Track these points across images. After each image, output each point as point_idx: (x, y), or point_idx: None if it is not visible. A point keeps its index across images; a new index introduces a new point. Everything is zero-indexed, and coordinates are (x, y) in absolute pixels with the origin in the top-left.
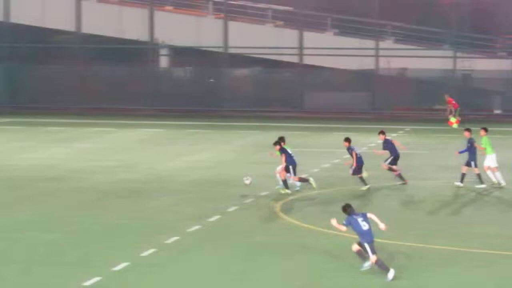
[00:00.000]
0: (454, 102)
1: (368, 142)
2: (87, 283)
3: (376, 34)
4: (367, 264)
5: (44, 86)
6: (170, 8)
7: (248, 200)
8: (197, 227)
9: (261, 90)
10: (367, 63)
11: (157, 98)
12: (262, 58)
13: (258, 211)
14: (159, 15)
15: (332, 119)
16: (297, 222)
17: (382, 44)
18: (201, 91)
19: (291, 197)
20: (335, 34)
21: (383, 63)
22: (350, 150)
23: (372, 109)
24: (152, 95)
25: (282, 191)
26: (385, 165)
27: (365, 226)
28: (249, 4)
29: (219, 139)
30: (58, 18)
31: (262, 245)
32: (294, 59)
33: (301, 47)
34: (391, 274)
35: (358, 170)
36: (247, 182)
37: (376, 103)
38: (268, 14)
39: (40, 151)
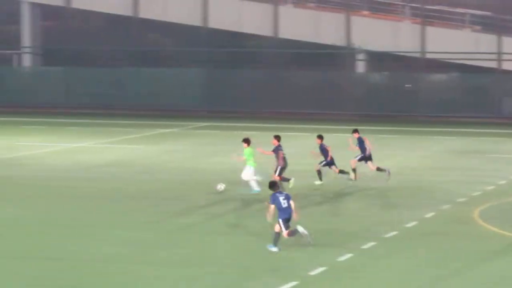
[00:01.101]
0: None
1: None
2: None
3: None
4: (273, 248)
5: (241, 91)
6: (366, 12)
7: (446, 206)
8: (394, 233)
9: (457, 96)
10: None
11: (352, 103)
12: (458, 63)
13: (456, 218)
14: (355, 20)
15: None
16: (495, 229)
17: None
18: (397, 96)
19: (489, 204)
20: None
21: None
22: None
23: None
24: (348, 100)
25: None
26: None
27: (284, 204)
28: (447, 9)
29: (414, 145)
30: (255, 23)
31: (458, 252)
32: (493, 65)
33: (499, 52)
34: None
35: None
36: (220, 188)
37: None
38: (465, 19)
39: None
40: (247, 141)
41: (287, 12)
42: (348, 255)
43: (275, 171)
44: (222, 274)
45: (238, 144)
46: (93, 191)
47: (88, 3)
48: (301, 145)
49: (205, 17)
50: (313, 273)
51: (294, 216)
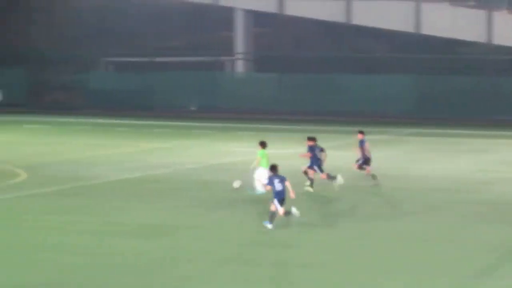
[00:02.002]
0: None
1: None
2: None
3: None
4: (268, 224)
5: (453, 98)
6: None
7: None
8: None
9: None
10: None
11: None
12: None
13: None
14: None
15: None
16: None
17: None
18: None
19: None
20: None
21: None
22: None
23: None
24: None
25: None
26: None
27: (279, 187)
28: None
29: None
30: (468, 29)
31: None
32: None
33: None
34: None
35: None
36: (236, 185)
37: None
38: None
39: (440, 162)
40: (262, 144)
41: (501, 17)
42: None
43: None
44: None
45: (454, 151)
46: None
47: (301, 10)
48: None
49: (418, 24)
50: None
51: (291, 194)
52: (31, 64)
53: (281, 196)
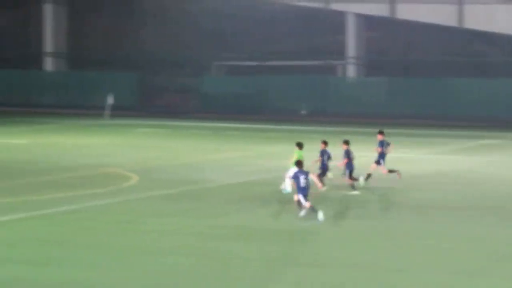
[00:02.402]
0: None
1: None
2: None
3: None
4: (303, 213)
5: None
6: None
7: None
8: None
9: None
10: None
11: None
12: None
13: None
14: None
15: None
16: None
17: None
18: None
19: None
20: None
21: None
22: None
23: None
24: None
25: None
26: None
27: (303, 183)
28: None
29: None
30: None
31: None
32: None
33: None
34: (320, 215)
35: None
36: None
37: None
38: None
39: None
40: (299, 145)
41: None
42: None
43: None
44: None
45: None
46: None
47: (412, 14)
48: None
49: None
50: None
51: (319, 187)
52: (143, 68)
53: (304, 192)
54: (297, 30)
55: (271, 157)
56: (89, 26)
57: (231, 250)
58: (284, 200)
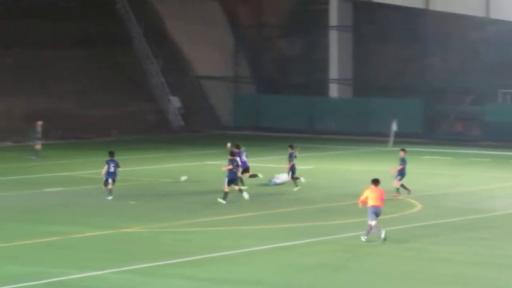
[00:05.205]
0: None
1: None
2: None
3: None
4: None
5: None
6: None
7: None
8: None
9: None
10: None
11: None
12: None
13: None
14: None
15: None
16: None
17: None
18: None
19: None
20: None
21: None
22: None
23: None
24: None
25: None
26: None
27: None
28: None
29: None
30: None
31: None
32: None
33: None
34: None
35: None
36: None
37: None
38: None
39: None
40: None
41: None
42: None
43: None
44: None
45: None
46: None
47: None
48: None
49: None
50: None
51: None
52: (427, 95)
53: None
54: None
55: None
56: (373, 52)
57: None
58: None
